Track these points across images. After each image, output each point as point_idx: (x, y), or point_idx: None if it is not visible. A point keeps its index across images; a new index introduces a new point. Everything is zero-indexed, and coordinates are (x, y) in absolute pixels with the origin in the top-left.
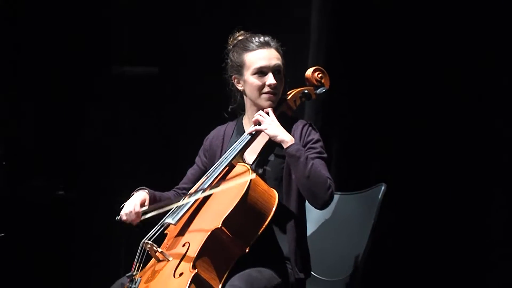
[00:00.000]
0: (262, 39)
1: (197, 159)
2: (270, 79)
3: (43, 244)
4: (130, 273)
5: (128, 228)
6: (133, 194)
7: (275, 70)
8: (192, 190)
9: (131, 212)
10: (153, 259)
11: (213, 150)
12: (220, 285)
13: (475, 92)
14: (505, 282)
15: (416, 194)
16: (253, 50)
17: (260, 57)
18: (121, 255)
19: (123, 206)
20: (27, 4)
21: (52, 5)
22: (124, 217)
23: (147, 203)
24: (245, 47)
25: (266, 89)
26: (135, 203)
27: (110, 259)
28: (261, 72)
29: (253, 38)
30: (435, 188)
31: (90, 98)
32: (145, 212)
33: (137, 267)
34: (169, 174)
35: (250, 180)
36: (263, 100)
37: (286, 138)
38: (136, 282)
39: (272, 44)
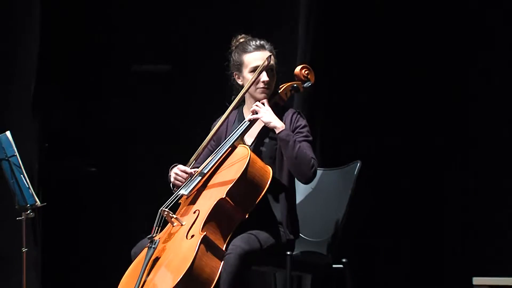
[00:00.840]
0: (258, 42)
1: (210, 139)
2: (264, 76)
3: (78, 211)
4: (150, 235)
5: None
6: (171, 169)
7: (268, 68)
8: (202, 166)
9: (178, 175)
10: (169, 224)
11: (219, 134)
12: (224, 245)
13: (438, 83)
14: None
15: (386, 170)
16: (250, 52)
17: (256, 58)
18: (143, 221)
19: (170, 182)
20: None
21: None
22: (176, 182)
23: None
24: (244, 49)
25: (261, 84)
26: (181, 169)
27: (133, 224)
28: (261, 70)
29: (251, 42)
30: (402, 165)
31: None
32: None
33: (156, 230)
34: (182, 155)
35: (249, 158)
36: (258, 93)
37: (278, 125)
38: (155, 243)
39: (266, 47)
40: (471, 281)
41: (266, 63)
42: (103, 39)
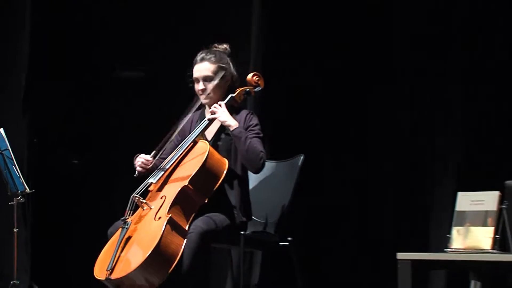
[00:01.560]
0: (199, 56)
1: (174, 133)
2: (200, 85)
3: (63, 196)
4: (124, 218)
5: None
6: (136, 158)
7: (203, 78)
8: (168, 158)
9: (143, 162)
10: (140, 208)
11: (184, 130)
12: (187, 225)
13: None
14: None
15: (320, 162)
16: (194, 64)
17: (195, 70)
18: (118, 206)
19: (135, 169)
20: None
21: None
22: (139, 169)
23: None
24: (193, 62)
25: (199, 92)
26: (143, 157)
27: (110, 208)
28: (196, 80)
29: (197, 55)
30: (339, 158)
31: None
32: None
33: (129, 213)
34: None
35: (208, 151)
36: (201, 99)
37: (232, 123)
38: (128, 224)
39: (205, 58)
40: (395, 256)
41: (197, 74)
42: (89, 42)
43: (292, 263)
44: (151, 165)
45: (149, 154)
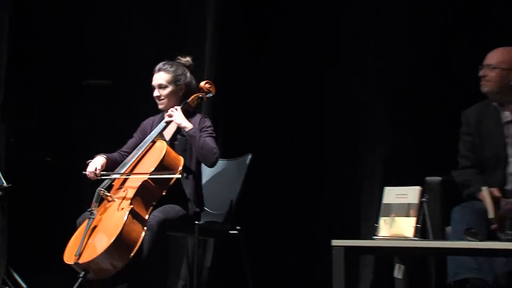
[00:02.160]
0: (157, 66)
1: (135, 134)
2: (155, 92)
3: (37, 190)
4: (90, 209)
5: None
6: (95, 157)
7: (159, 86)
8: (130, 156)
9: (91, 172)
10: (105, 200)
11: (145, 130)
12: (147, 215)
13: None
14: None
15: (271, 160)
16: (153, 74)
17: (153, 78)
18: (86, 199)
19: (88, 163)
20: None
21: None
22: (87, 175)
23: (104, 166)
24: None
25: (156, 98)
26: (96, 166)
27: (79, 200)
28: (153, 87)
29: (157, 66)
30: (283, 157)
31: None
32: (101, 175)
33: (95, 205)
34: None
35: (165, 150)
36: (158, 105)
37: (187, 125)
38: (94, 214)
39: (162, 69)
40: (330, 243)
41: (154, 82)
42: (63, 51)
43: (240, 249)
44: (97, 177)
45: (113, 153)
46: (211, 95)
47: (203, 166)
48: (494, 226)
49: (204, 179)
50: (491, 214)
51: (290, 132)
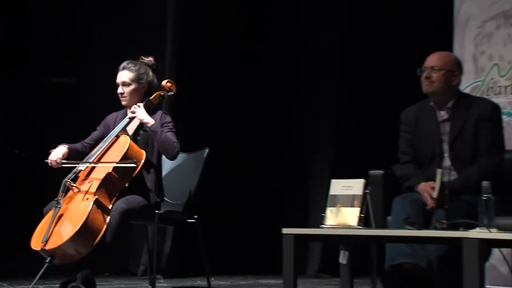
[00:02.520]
0: (121, 65)
1: (98, 127)
2: (119, 89)
3: (6, 181)
4: (57, 198)
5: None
6: (58, 146)
7: (122, 83)
8: (94, 150)
9: (53, 160)
10: (70, 191)
11: (108, 125)
12: (111, 205)
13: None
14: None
15: (227, 154)
16: (117, 72)
17: (117, 76)
18: (54, 190)
19: (51, 152)
20: None
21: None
22: (49, 163)
23: (65, 155)
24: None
25: (119, 95)
26: (57, 155)
27: (46, 190)
28: (117, 85)
29: (121, 64)
30: (238, 151)
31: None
32: (63, 163)
33: (61, 195)
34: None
35: (128, 144)
36: (122, 101)
37: (149, 121)
38: (60, 204)
39: (126, 67)
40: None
41: (118, 80)
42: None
43: (197, 236)
44: (57, 165)
45: (76, 143)
46: (172, 93)
47: (164, 159)
48: (431, 204)
49: (165, 171)
50: (435, 194)
51: (245, 127)
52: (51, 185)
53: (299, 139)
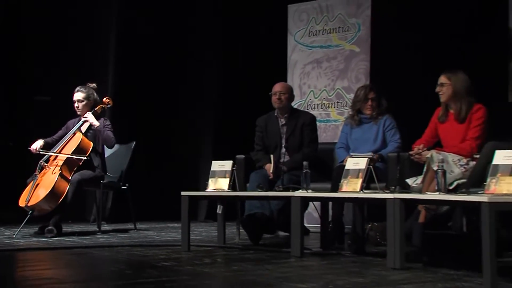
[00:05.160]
0: (76, 88)
1: (62, 128)
2: (75, 104)
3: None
4: (34, 174)
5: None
6: (36, 140)
7: (78, 101)
8: (60, 142)
9: (33, 149)
10: (44, 169)
11: (68, 126)
12: (71, 176)
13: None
14: None
15: (147, 145)
16: (74, 93)
17: (74, 96)
18: (32, 168)
19: (31, 143)
20: None
21: None
22: (31, 149)
23: (42, 146)
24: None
25: (76, 108)
26: (37, 146)
27: (29, 169)
28: (74, 101)
29: (76, 88)
30: (154, 143)
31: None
32: (39, 151)
33: (38, 171)
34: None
35: (81, 138)
36: (77, 112)
37: (96, 123)
38: (37, 176)
39: (79, 90)
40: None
41: (74, 98)
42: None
43: (127, 197)
44: (38, 150)
45: (48, 138)
46: (110, 106)
47: (106, 148)
48: (271, 176)
49: (106, 155)
50: (272, 169)
51: (160, 127)
52: (31, 165)
53: (194, 137)
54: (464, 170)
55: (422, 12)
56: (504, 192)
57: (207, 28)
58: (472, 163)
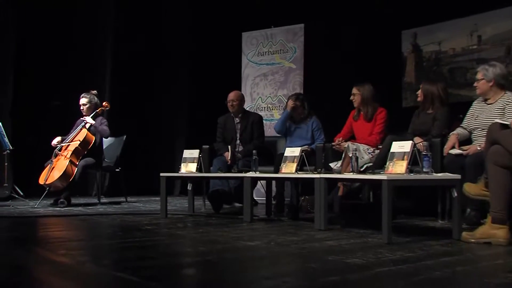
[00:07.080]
0: (81, 95)
1: (73, 126)
2: (81, 107)
3: (28, 153)
4: (50, 160)
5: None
6: (56, 137)
7: (83, 105)
8: (70, 135)
9: (54, 144)
10: (58, 155)
11: (77, 124)
12: (78, 162)
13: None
14: None
15: (135, 138)
16: (80, 99)
17: (79, 101)
18: (49, 156)
19: (52, 139)
20: None
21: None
22: (53, 144)
23: (60, 141)
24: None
25: (82, 111)
26: (57, 140)
27: (47, 157)
28: (80, 106)
29: (81, 94)
30: (141, 136)
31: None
32: (59, 144)
33: (54, 157)
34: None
35: (86, 133)
36: (83, 113)
37: (92, 122)
38: (52, 162)
39: (84, 96)
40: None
41: (80, 102)
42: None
43: (120, 177)
44: (57, 144)
45: (62, 136)
46: (108, 108)
47: (104, 139)
48: (229, 162)
49: (105, 146)
50: (230, 157)
51: (146, 125)
52: (48, 154)
53: (171, 133)
54: (371, 156)
55: (342, 40)
56: (398, 172)
57: (180, 52)
58: (377, 151)
